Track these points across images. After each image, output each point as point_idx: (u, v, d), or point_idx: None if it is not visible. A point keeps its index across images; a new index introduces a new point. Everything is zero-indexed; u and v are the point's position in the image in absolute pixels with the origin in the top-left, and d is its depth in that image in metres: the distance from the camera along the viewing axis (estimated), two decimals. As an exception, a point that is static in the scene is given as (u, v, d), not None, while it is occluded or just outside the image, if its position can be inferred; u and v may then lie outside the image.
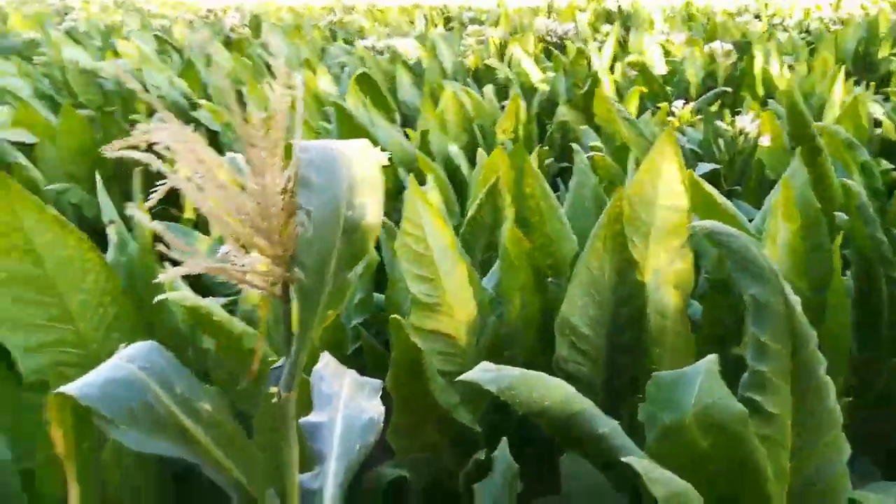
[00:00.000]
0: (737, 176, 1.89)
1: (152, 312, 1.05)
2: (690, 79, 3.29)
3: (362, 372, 0.81)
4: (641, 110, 2.59)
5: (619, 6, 6.08)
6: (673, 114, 2.29)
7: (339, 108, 2.03)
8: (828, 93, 2.45)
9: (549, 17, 5.79)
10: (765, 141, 1.81)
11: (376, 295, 1.46)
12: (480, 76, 3.52)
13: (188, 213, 1.72)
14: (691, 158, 1.99)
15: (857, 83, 2.92)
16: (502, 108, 2.51)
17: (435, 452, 1.11)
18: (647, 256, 1.13)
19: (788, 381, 0.89)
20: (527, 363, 0.91)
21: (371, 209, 0.56)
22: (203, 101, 2.55)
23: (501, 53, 4.14)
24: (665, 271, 1.13)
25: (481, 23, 5.94)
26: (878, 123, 2.32)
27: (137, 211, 0.52)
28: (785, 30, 5.45)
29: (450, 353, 1.13)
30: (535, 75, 3.16)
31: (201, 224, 1.71)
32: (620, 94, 2.85)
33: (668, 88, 3.17)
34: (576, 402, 0.87)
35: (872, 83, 2.90)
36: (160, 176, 0.53)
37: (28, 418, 0.91)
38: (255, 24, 5.46)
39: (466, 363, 1.12)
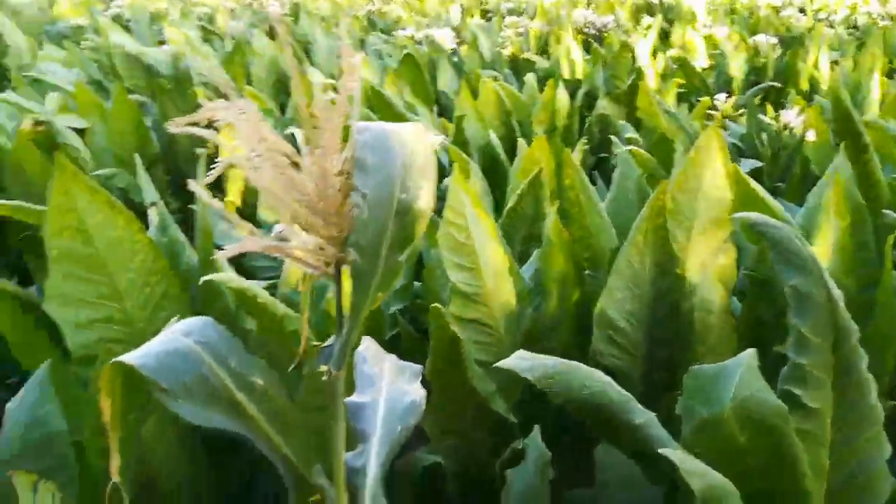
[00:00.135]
0: (780, 172, 1.86)
1: (202, 292, 1.07)
2: (733, 73, 3.23)
3: (398, 358, 0.82)
4: (682, 104, 2.56)
5: (661, -1, 6.00)
6: (715, 108, 2.26)
7: (378, 96, 2.04)
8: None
9: (588, 9, 5.73)
10: (810, 136, 1.78)
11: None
12: (520, 67, 3.51)
13: (230, 197, 1.74)
14: (734, 153, 1.96)
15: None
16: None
17: (470, 440, 1.12)
18: (689, 250, 1.13)
19: (830, 375, 0.88)
20: (563, 355, 0.91)
21: (423, 193, 0.57)
22: (246, 87, 2.59)
23: (542, 45, 4.11)
24: (708, 266, 1.12)
25: (520, 14, 5.91)
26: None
27: (199, 188, 0.53)
28: (831, 25, 5.32)
29: (487, 342, 1.13)
30: (579, 67, 3.14)
31: (243, 209, 1.74)
32: (662, 88, 2.82)
33: (710, 82, 3.12)
34: (612, 392, 0.87)
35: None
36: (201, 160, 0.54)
37: (76, 393, 0.94)
38: (295, 13, 5.50)
39: (503, 353, 1.13)
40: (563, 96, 2.48)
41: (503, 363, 0.86)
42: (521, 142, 1.73)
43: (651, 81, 2.68)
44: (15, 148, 1.80)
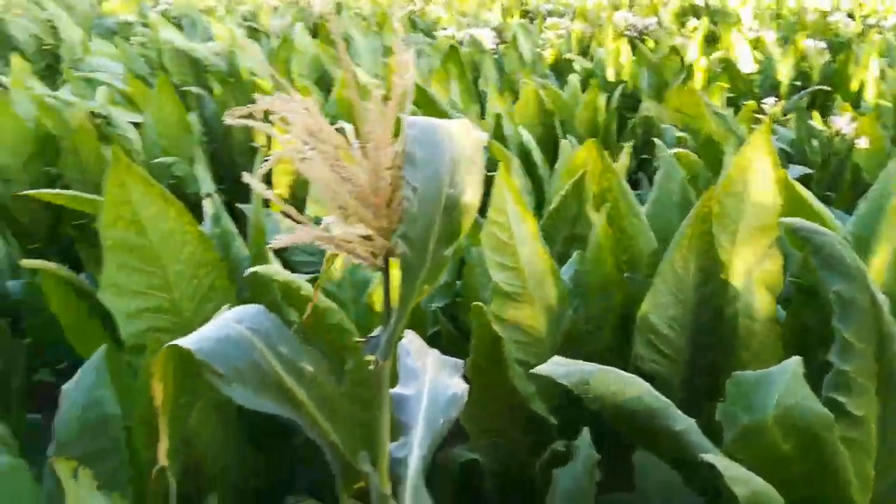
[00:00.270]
0: (830, 179, 1.82)
1: (250, 284, 1.09)
2: (779, 77, 3.18)
3: (440, 353, 0.82)
4: (728, 108, 2.52)
5: (707, 1, 5.91)
6: (762, 111, 2.22)
7: (422, 93, 2.05)
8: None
9: (629, 11, 5.67)
10: (862, 143, 1.74)
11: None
12: (561, 69, 3.49)
13: (278, 190, 1.77)
14: (782, 158, 1.93)
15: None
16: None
17: (508, 439, 1.12)
18: (734, 256, 1.11)
19: (873, 381, 0.87)
20: (603, 358, 0.91)
21: (470, 188, 0.57)
22: (297, 81, 2.62)
23: (584, 47, 4.09)
24: (753, 271, 1.10)
25: (560, 15, 5.88)
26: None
27: (255, 181, 0.55)
28: (880, 31, 5.19)
29: (527, 342, 1.14)
30: (625, 68, 3.12)
31: (291, 203, 1.76)
32: (708, 91, 2.78)
33: (756, 86, 3.07)
34: (652, 398, 0.86)
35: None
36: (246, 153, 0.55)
37: (127, 381, 0.97)
38: (338, 12, 5.55)
39: (543, 354, 1.13)
40: (605, 98, 2.46)
41: (539, 369, 0.86)
42: (564, 143, 1.72)
43: (698, 84, 2.65)
44: (73, 137, 1.87)
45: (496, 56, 3.56)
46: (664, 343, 1.14)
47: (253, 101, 0.53)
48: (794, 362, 0.86)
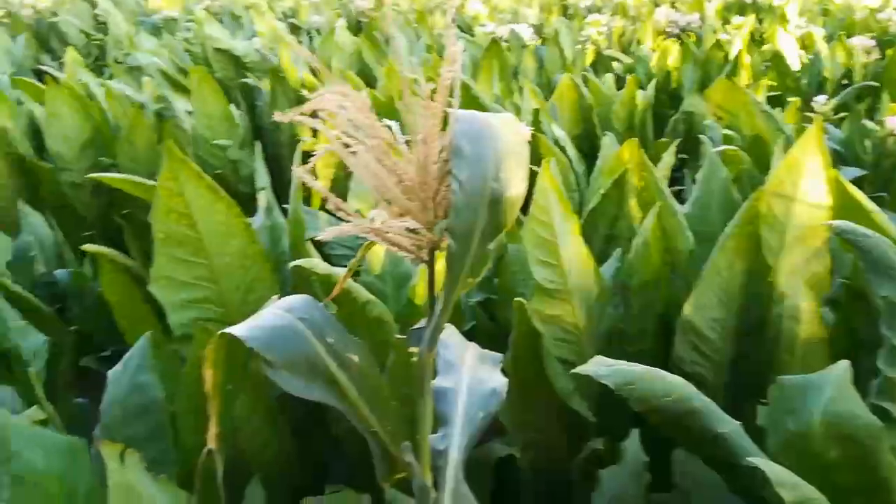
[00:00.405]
0: (883, 181, 1.77)
1: (294, 277, 1.11)
2: (826, 74, 3.10)
3: (478, 348, 0.82)
4: (770, 104, 2.47)
5: (754, -2, 5.79)
6: (812, 109, 2.17)
7: (465, 88, 2.05)
8: None
9: (671, 7, 5.59)
10: (917, 144, 1.69)
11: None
12: (601, 65, 3.46)
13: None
14: (833, 158, 1.88)
15: None
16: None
17: (546, 435, 1.12)
18: (781, 257, 1.09)
19: (923, 389, 0.84)
20: (643, 358, 0.90)
21: (515, 182, 0.57)
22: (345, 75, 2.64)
23: (625, 44, 4.04)
24: (800, 274, 1.08)
25: (599, 11, 5.82)
26: None
27: (305, 174, 0.55)
28: (932, 29, 5.01)
29: (567, 339, 1.13)
30: (669, 64, 3.07)
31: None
32: (753, 88, 2.73)
33: (802, 83, 3.00)
34: (696, 400, 0.85)
35: None
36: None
37: (174, 369, 0.99)
38: (379, 9, 5.57)
39: (583, 351, 1.12)
40: (645, 94, 2.43)
41: (581, 369, 0.85)
42: (605, 140, 1.70)
43: (743, 80, 2.60)
44: (128, 125, 1.93)
45: (537, 52, 3.54)
46: (707, 345, 1.13)
47: (298, 96, 0.54)
48: (843, 367, 0.85)
